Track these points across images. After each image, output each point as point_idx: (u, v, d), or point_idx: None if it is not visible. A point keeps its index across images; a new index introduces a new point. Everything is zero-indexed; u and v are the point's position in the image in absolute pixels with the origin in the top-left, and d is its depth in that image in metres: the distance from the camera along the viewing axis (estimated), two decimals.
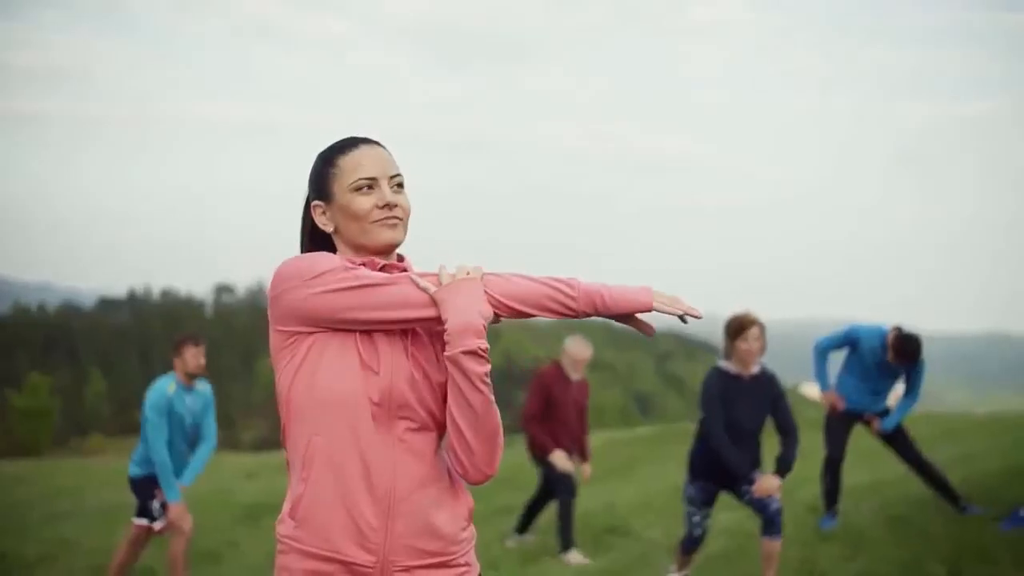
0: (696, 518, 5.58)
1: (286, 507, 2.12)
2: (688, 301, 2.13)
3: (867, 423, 7.03)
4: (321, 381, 2.06)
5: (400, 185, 2.18)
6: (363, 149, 2.17)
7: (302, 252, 2.27)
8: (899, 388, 7.08)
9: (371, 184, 2.14)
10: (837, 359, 7.11)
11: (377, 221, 2.13)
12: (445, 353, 2.04)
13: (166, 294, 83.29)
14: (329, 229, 2.20)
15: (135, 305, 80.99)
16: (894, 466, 8.53)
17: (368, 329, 2.07)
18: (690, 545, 5.72)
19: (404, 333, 2.12)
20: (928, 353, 6.86)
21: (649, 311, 2.13)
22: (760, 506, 5.31)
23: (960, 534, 6.30)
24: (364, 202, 2.13)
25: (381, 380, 2.07)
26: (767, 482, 5.25)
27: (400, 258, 2.22)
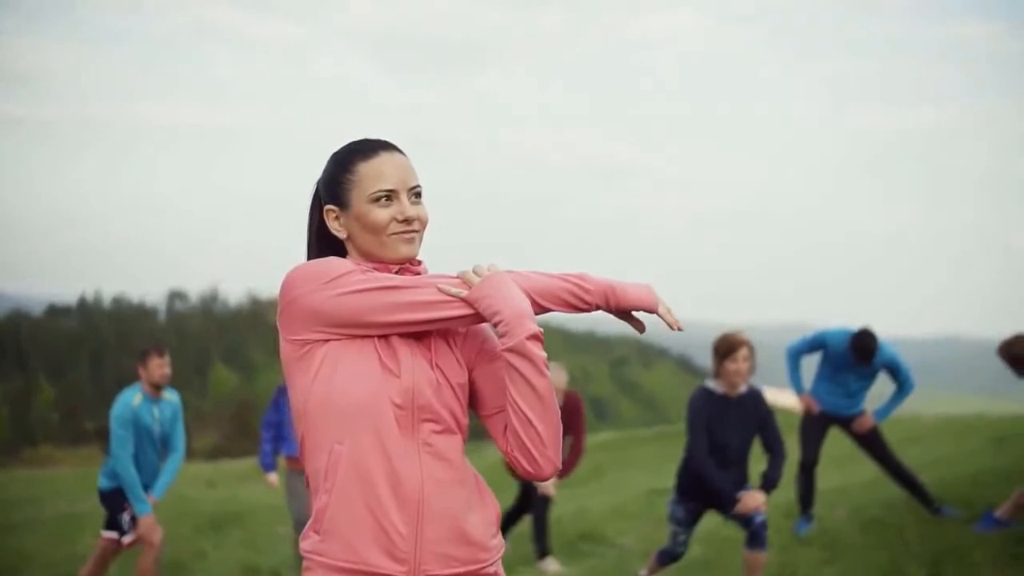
0: (681, 537, 5.55)
1: (309, 523, 2.04)
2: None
3: (844, 426, 7.04)
4: (340, 387, 1.98)
5: (418, 195, 2.11)
6: (383, 157, 2.10)
7: (309, 255, 2.20)
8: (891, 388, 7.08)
9: (390, 196, 2.07)
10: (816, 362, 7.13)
11: (395, 234, 2.07)
12: (505, 344, 1.98)
13: (117, 300, 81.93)
14: (342, 236, 2.13)
15: (85, 312, 79.64)
16: (865, 470, 8.59)
17: (394, 332, 2.01)
18: (669, 559, 5.68)
19: (423, 336, 2.06)
20: None
21: (653, 312, 2.15)
22: (745, 520, 5.28)
23: (937, 536, 6.32)
24: (383, 214, 2.07)
25: (403, 382, 2.00)
26: (752, 499, 5.22)
27: (416, 263, 2.15)
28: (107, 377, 62.19)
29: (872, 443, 7.06)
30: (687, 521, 5.52)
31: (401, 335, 2.03)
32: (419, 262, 2.15)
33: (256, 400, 61.62)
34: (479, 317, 2.03)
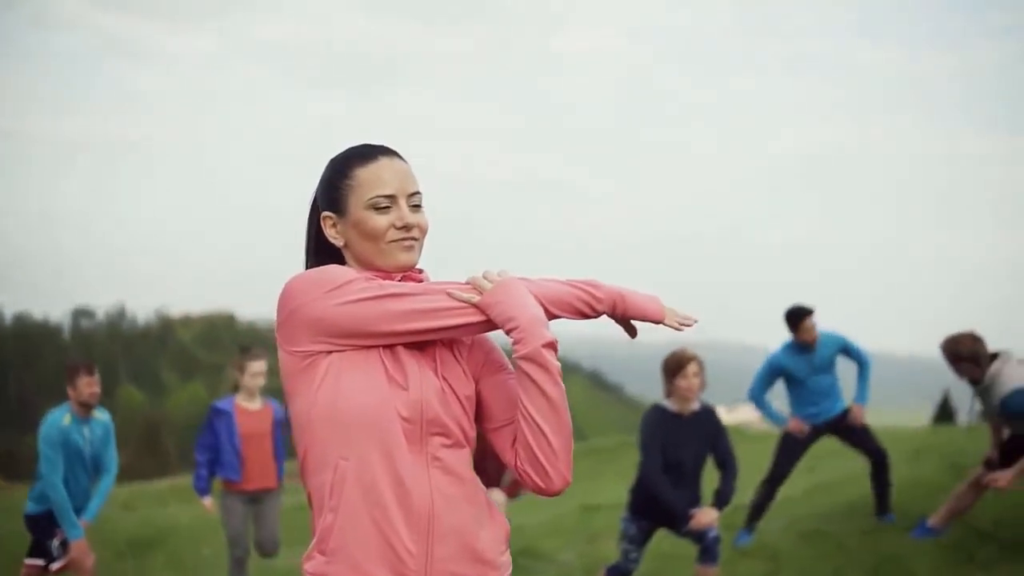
0: (633, 555, 5.52)
1: (313, 543, 1.95)
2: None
3: (834, 428, 7.06)
4: (345, 400, 1.89)
5: (418, 203, 2.04)
6: (382, 162, 2.02)
7: (307, 265, 2.12)
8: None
9: (389, 202, 1.99)
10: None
11: (393, 242, 1.99)
12: (520, 352, 1.90)
13: (20, 318, 79.33)
14: (340, 243, 2.05)
15: None
16: (797, 482, 8.70)
17: (402, 341, 1.93)
18: (618, 575, 5.65)
19: (428, 346, 1.99)
20: None
21: (659, 323, 2.10)
22: (697, 536, 5.28)
23: (876, 546, 6.42)
24: (381, 221, 1.99)
25: (410, 395, 1.93)
26: (705, 515, 5.22)
27: (417, 271, 2.08)
28: (9, 396, 60.28)
29: (864, 439, 7.08)
30: (639, 539, 5.50)
31: (407, 346, 1.96)
32: (420, 271, 2.08)
33: (166, 420, 60.28)
34: (490, 324, 1.96)
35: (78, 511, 5.86)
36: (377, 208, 1.98)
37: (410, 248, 2.00)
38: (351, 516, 1.89)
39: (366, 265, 2.02)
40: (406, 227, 1.99)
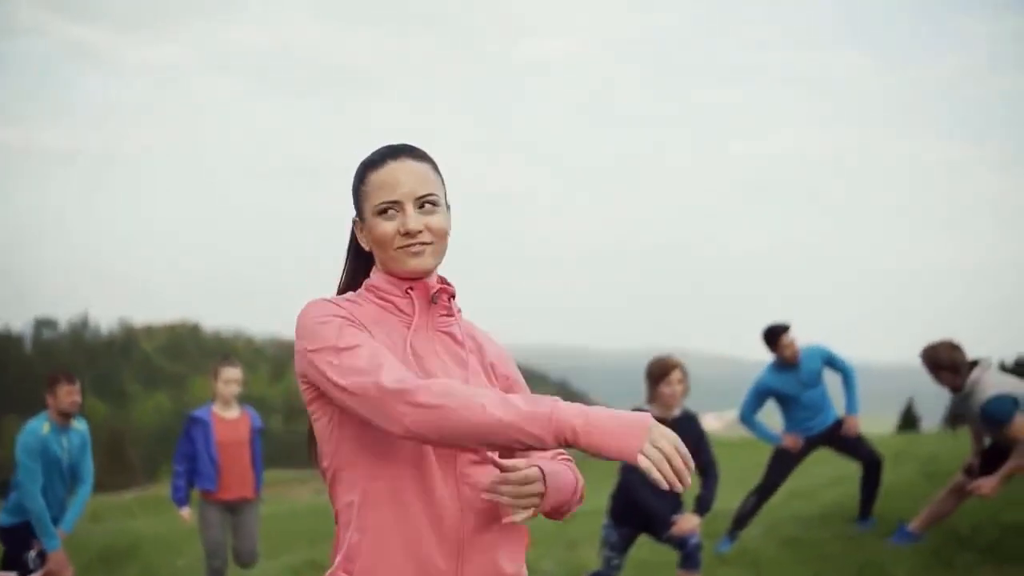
0: (615, 561, 5.52)
1: (338, 562, 1.90)
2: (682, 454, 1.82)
3: (828, 439, 7.08)
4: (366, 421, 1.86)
5: (432, 204, 1.95)
6: (391, 166, 1.96)
7: (344, 267, 2.11)
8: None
9: (395, 207, 1.94)
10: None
11: (400, 248, 1.93)
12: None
13: None
14: (367, 248, 2.02)
15: None
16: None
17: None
18: None
19: (458, 355, 1.97)
20: None
21: (632, 463, 1.75)
22: (679, 542, 5.29)
23: (855, 552, 6.46)
24: (387, 227, 1.93)
25: None
26: (687, 521, 5.23)
27: (444, 281, 2.03)
28: None
29: (857, 446, 7.09)
30: (620, 546, 5.50)
31: (436, 356, 1.94)
32: (446, 283, 2.03)
33: (130, 431, 59.64)
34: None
35: (55, 521, 5.79)
36: (383, 214, 1.94)
37: (418, 253, 1.93)
38: (381, 537, 1.86)
39: (386, 270, 1.99)
40: (409, 232, 1.92)
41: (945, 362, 5.80)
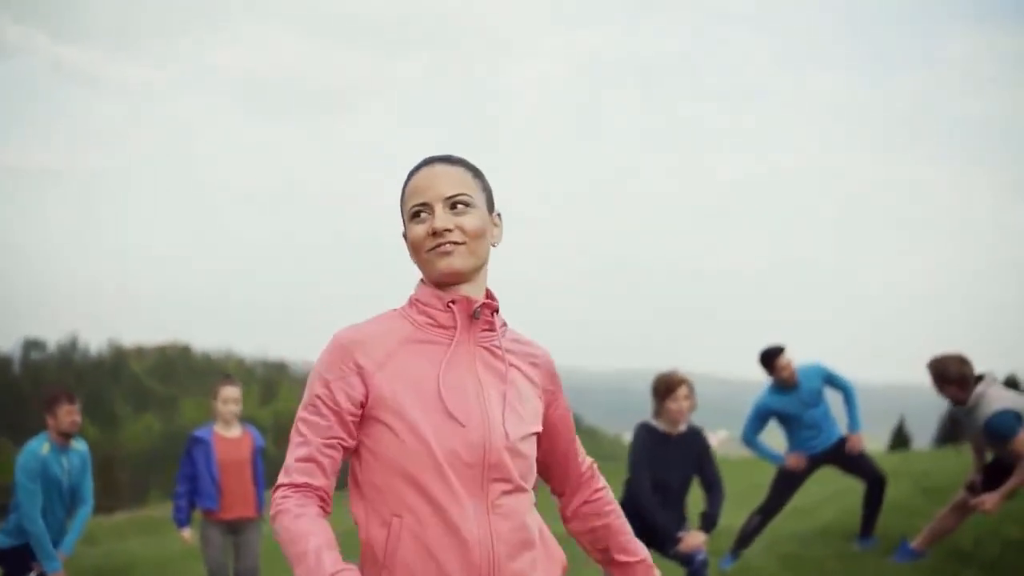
0: None
1: None
2: None
3: (833, 457, 7.06)
4: (398, 449, 1.85)
5: (464, 204, 1.92)
6: (422, 172, 1.97)
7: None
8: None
9: (424, 210, 1.93)
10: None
11: (431, 250, 1.92)
12: None
13: None
14: (414, 261, 2.01)
15: None
16: None
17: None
18: None
19: (495, 376, 1.95)
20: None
21: None
22: (686, 559, 5.28)
23: (857, 569, 6.45)
24: (418, 231, 1.93)
25: (471, 436, 1.87)
26: (693, 538, 5.23)
27: (490, 295, 2.02)
28: None
29: (861, 464, 7.07)
30: None
31: (468, 376, 1.92)
32: (492, 300, 2.01)
33: (119, 453, 59.26)
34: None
35: (54, 543, 5.75)
36: (415, 218, 1.94)
37: (447, 253, 1.90)
38: (410, 572, 1.84)
39: (426, 279, 1.99)
40: (436, 231, 1.90)
41: (953, 376, 5.77)
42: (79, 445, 5.93)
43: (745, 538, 7.13)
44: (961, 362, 5.80)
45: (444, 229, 1.90)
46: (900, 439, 41.70)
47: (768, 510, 7.15)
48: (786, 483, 7.14)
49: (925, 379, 5.96)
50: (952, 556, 6.34)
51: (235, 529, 6.48)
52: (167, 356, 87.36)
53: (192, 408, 74.39)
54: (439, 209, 1.92)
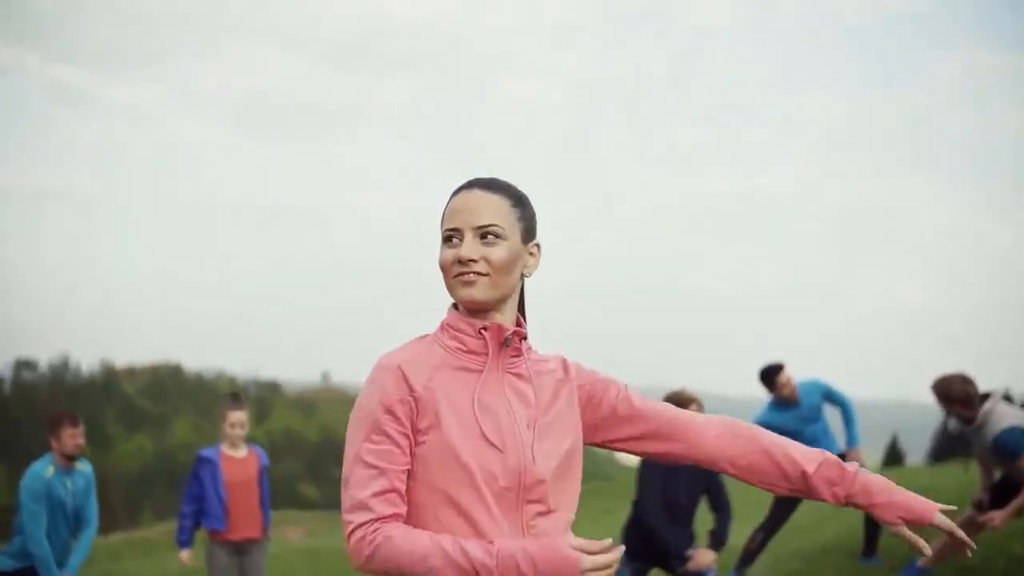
0: None
1: None
2: None
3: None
4: (440, 472, 1.85)
5: (495, 235, 1.92)
6: (460, 196, 1.97)
7: None
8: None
9: (456, 235, 1.93)
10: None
11: (456, 277, 1.93)
12: None
13: None
14: None
15: None
16: None
17: None
18: None
19: (525, 401, 1.95)
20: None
21: None
22: None
23: None
24: (447, 255, 1.94)
25: (507, 459, 1.87)
26: (703, 557, 5.24)
27: (520, 322, 2.03)
28: None
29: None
30: None
31: (505, 399, 1.93)
32: (521, 327, 2.02)
33: (112, 473, 59.02)
34: None
35: (59, 565, 5.71)
36: (447, 242, 1.95)
37: (470, 283, 1.91)
38: None
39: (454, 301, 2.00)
40: (460, 260, 1.91)
41: (958, 395, 5.79)
42: (83, 467, 5.91)
43: (749, 556, 7.13)
44: (964, 381, 5.82)
45: (469, 259, 1.91)
46: (894, 456, 41.79)
47: (770, 527, 7.15)
48: (787, 500, 7.14)
49: (917, 396, 6.00)
50: (959, 573, 6.34)
51: (241, 550, 6.45)
52: (159, 376, 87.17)
53: (184, 428, 74.18)
54: (468, 237, 1.92)
